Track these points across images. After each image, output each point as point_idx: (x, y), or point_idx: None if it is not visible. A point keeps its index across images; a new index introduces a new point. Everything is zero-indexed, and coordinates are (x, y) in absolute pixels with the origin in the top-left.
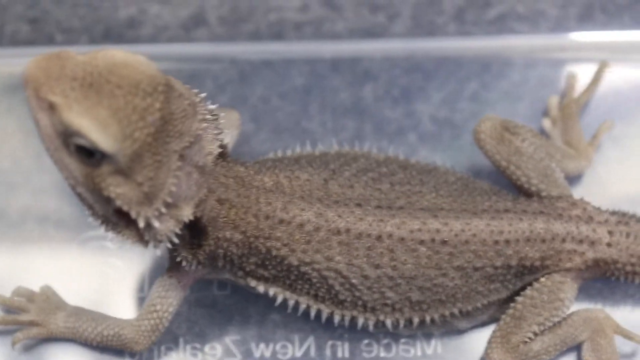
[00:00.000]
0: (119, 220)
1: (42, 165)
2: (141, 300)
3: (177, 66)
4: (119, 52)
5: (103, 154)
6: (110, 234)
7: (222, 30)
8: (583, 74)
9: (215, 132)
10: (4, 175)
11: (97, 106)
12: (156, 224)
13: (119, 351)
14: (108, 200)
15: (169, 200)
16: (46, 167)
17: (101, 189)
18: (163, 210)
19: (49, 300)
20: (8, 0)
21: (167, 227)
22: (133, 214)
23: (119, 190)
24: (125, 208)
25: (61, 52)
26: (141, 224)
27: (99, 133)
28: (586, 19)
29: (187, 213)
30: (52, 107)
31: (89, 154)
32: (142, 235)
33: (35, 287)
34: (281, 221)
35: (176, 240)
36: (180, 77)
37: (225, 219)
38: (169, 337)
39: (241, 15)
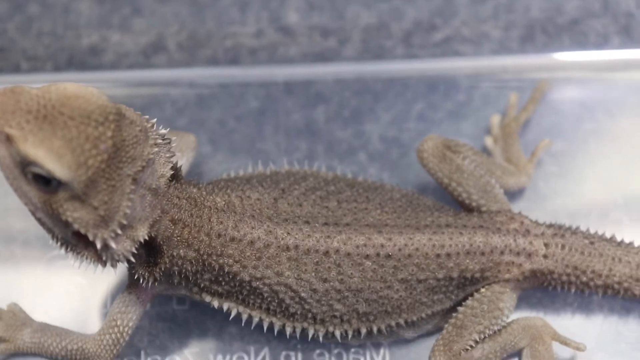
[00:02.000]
0: (78, 242)
1: (7, 188)
2: (104, 316)
3: (137, 91)
4: (71, 85)
5: (59, 182)
6: (71, 255)
7: (180, 56)
8: (525, 94)
9: (167, 155)
10: None
11: (52, 137)
12: (113, 244)
13: None
14: (66, 224)
15: (124, 222)
16: (10, 189)
17: (59, 214)
18: (119, 231)
19: (15, 317)
20: None
21: (124, 247)
22: (90, 236)
23: (76, 215)
24: (82, 231)
25: (15, 87)
26: (99, 245)
27: (54, 162)
28: (527, 41)
29: (142, 233)
30: (9, 139)
31: (46, 182)
32: (100, 256)
33: (2, 305)
34: (232, 239)
35: (132, 259)
36: (141, 101)
37: (179, 237)
38: (131, 350)
39: (199, 42)
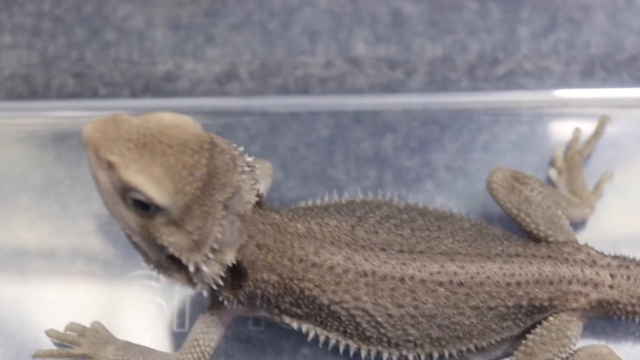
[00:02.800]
0: (171, 265)
1: (89, 210)
2: (182, 336)
3: (211, 119)
4: (168, 115)
5: (157, 207)
6: (162, 277)
7: (252, 85)
8: (586, 127)
9: (252, 182)
10: (54, 218)
11: (151, 164)
12: (204, 268)
13: None
14: (161, 248)
15: (215, 246)
16: (92, 211)
17: (155, 238)
18: (210, 255)
19: (99, 334)
20: (55, 55)
21: (214, 270)
22: (184, 260)
23: (172, 239)
24: (177, 254)
25: (116, 116)
26: (191, 268)
27: (154, 189)
28: (588, 76)
29: (230, 257)
30: (110, 166)
31: (145, 207)
32: (191, 278)
33: (86, 323)
34: (313, 264)
35: (221, 282)
36: (215, 128)
37: (263, 262)
38: None
39: (270, 71)
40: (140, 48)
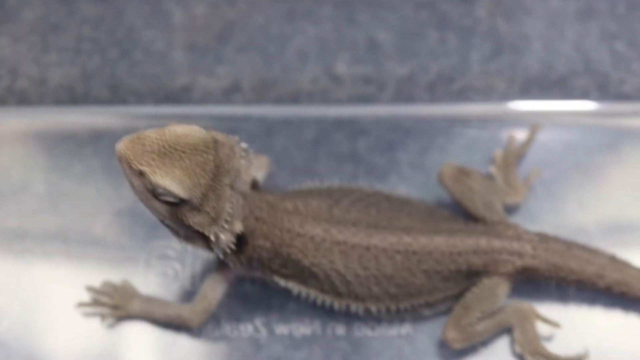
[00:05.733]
0: (196, 237)
1: (119, 194)
2: (193, 293)
3: (219, 123)
4: (179, 126)
5: (181, 199)
6: (188, 245)
7: (253, 96)
8: (522, 133)
9: (248, 164)
10: (92, 201)
11: (172, 168)
12: (222, 237)
13: (176, 328)
14: (188, 226)
15: (228, 219)
16: (122, 195)
17: (182, 221)
18: (225, 226)
19: (127, 290)
20: (92, 71)
21: (227, 237)
22: (206, 232)
23: (195, 220)
24: (200, 230)
25: (139, 134)
26: (212, 238)
27: (177, 187)
28: (525, 92)
29: (239, 227)
30: (141, 174)
31: (172, 200)
32: (210, 245)
33: (117, 281)
34: (298, 234)
35: (233, 247)
36: (222, 130)
37: (259, 231)
38: (214, 319)
39: (267, 85)
40: (162, 65)
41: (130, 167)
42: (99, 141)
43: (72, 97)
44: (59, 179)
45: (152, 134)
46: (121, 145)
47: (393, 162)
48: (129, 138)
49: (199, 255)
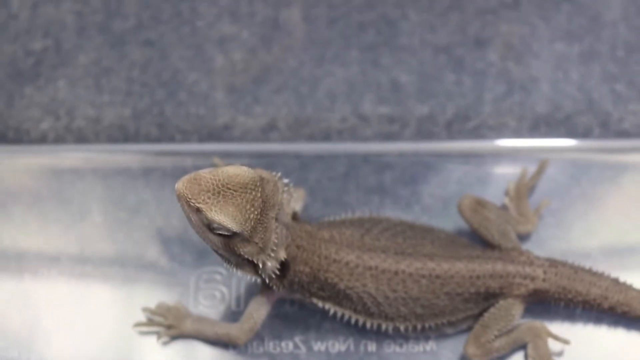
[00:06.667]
0: (245, 264)
1: (170, 223)
2: (238, 314)
3: (258, 159)
4: (231, 167)
5: (234, 232)
6: (238, 272)
7: (288, 134)
8: (532, 167)
9: (289, 197)
10: (145, 229)
11: (226, 205)
12: (268, 264)
13: (224, 346)
14: (239, 255)
15: (274, 248)
16: (172, 224)
17: (234, 250)
18: (271, 254)
19: (180, 310)
20: (142, 111)
21: (273, 264)
22: (255, 260)
23: (246, 250)
24: (250, 258)
25: (196, 175)
26: (260, 265)
27: (231, 222)
28: (534, 130)
29: (283, 254)
30: (198, 210)
31: (225, 233)
32: (258, 271)
33: (171, 303)
34: (334, 260)
35: (277, 272)
36: (260, 166)
37: (300, 258)
38: (258, 337)
39: (301, 124)
40: (205, 105)
41: (189, 205)
42: (149, 175)
43: (124, 135)
44: (115, 210)
45: (207, 174)
46: (180, 185)
47: (416, 194)
48: (187, 178)
49: (243, 279)
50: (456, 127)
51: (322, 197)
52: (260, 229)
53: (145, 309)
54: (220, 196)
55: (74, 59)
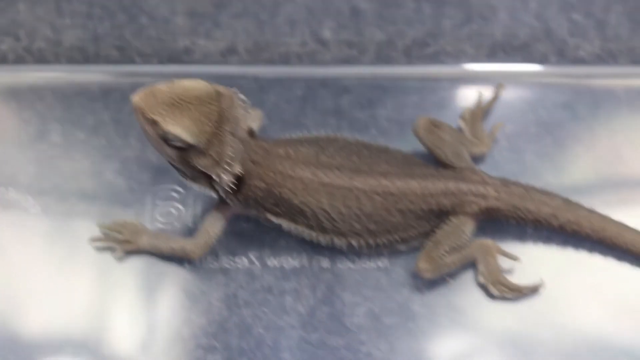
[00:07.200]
0: (201, 177)
1: (128, 143)
2: (194, 229)
3: (217, 82)
4: (187, 81)
5: (189, 145)
6: (193, 185)
7: (247, 58)
8: (488, 92)
9: (246, 114)
10: (102, 149)
11: (182, 118)
12: (224, 177)
13: (179, 260)
14: (194, 168)
15: (229, 161)
16: (130, 144)
17: (189, 163)
18: (227, 167)
19: (136, 226)
20: (102, 34)
21: (228, 178)
22: (210, 173)
23: (201, 162)
24: (205, 171)
25: (152, 88)
26: (215, 178)
27: (186, 134)
28: (492, 56)
29: (237, 169)
30: (154, 122)
31: (181, 145)
32: (213, 185)
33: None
34: (289, 176)
35: (232, 186)
36: None
37: (255, 173)
38: (212, 253)
39: (261, 48)
40: (166, 29)
41: (144, 117)
42: (108, 96)
43: (84, 57)
44: (73, 130)
45: (163, 87)
46: (136, 97)
47: (373, 117)
48: (143, 91)
49: (199, 197)
50: (415, 53)
51: (279, 119)
52: (216, 142)
53: (101, 225)
54: (176, 108)
55: None
